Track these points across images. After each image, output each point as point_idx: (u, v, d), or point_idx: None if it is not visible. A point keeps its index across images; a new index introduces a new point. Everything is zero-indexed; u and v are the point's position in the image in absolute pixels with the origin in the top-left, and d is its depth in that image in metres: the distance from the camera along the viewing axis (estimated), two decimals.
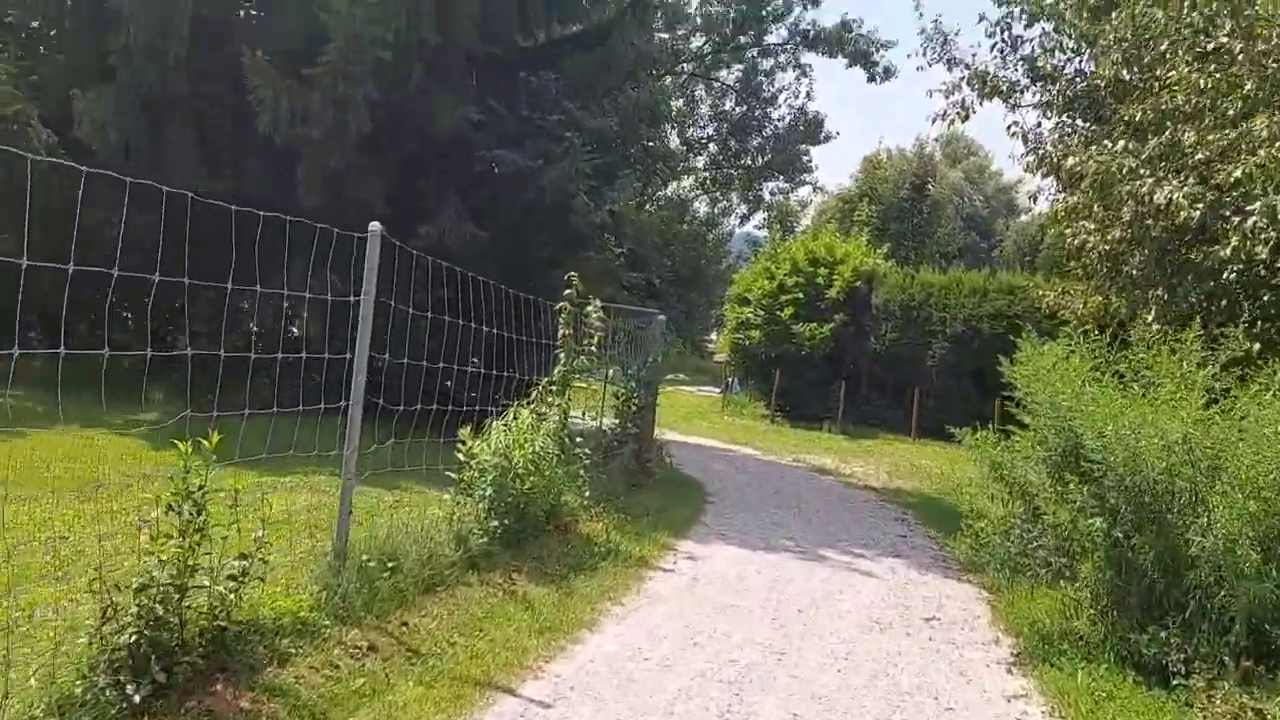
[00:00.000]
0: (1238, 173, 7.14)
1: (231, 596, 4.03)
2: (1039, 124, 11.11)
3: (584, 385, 14.29)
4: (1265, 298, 8.15)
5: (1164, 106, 8.25)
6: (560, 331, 8.19)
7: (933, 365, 20.76)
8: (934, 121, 13.12)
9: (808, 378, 21.97)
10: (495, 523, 6.73)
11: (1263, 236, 7.17)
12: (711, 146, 46.86)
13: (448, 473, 6.71)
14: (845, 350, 21.93)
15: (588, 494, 8.37)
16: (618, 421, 10.89)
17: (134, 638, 3.56)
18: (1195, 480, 5.53)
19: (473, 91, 13.17)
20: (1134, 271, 10.22)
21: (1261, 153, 6.89)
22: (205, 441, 4.03)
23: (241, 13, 12.84)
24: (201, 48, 12.32)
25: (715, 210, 49.10)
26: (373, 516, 7.44)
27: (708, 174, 47.62)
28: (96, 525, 5.37)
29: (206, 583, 4.04)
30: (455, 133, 12.75)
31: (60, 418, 10.27)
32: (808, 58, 44.35)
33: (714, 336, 25.44)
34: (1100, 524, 5.79)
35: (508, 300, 9.22)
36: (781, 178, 46.11)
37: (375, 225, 5.05)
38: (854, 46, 41.64)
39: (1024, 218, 63.39)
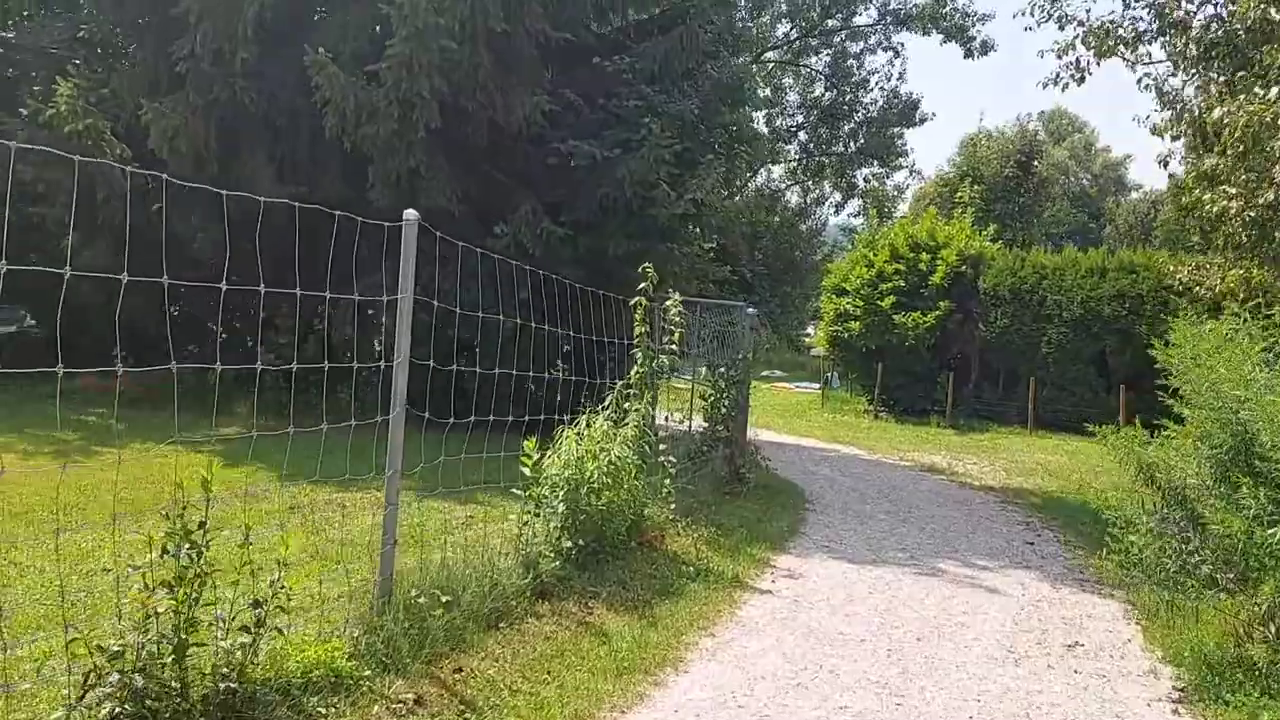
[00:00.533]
0: None
1: (239, 653, 3.42)
2: (1172, 75, 9.92)
3: (672, 386, 13.62)
4: None
5: None
6: (636, 329, 7.47)
7: (1048, 352, 19.35)
8: (1045, 86, 12.00)
9: (912, 370, 20.78)
10: (569, 543, 6.06)
11: None
12: (801, 135, 45.66)
13: (513, 489, 6.05)
14: (952, 339, 20.67)
15: (674, 506, 7.63)
16: (706, 425, 10.13)
17: (114, 711, 2.98)
18: None
19: (545, 81, 12.58)
20: None
21: None
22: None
23: (308, 14, 12.49)
24: (268, 51, 12.03)
25: (807, 200, 47.90)
26: (444, 535, 6.87)
27: (798, 162, 46.43)
28: (118, 560, 4.89)
29: (218, 635, 3.46)
30: (528, 125, 12.18)
31: (141, 434, 10.07)
32: (900, 37, 42.86)
33: (810, 330, 24.36)
34: None
35: (589, 300, 8.60)
36: (876, 163, 44.60)
37: (411, 213, 4.41)
38: (949, 22, 39.94)
39: (1135, 194, 60.33)
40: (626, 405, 7.38)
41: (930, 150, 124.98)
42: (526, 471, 5.89)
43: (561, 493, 6.14)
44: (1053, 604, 7.05)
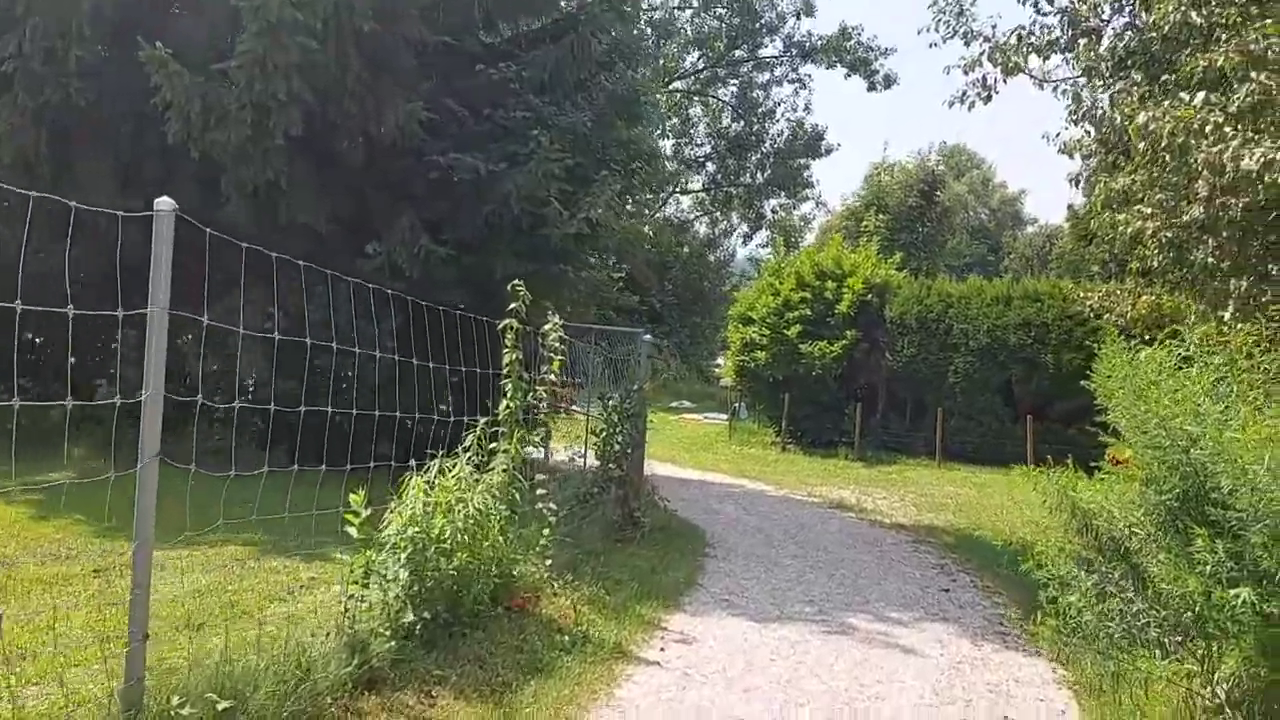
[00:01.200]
0: None
1: None
2: (1085, 87, 9.45)
3: (575, 418, 12.63)
4: None
5: (1252, 48, 6.56)
6: (506, 356, 6.49)
7: (955, 382, 18.99)
8: (951, 105, 11.50)
9: (820, 401, 20.21)
10: (411, 617, 5.00)
11: None
12: (709, 165, 45.51)
13: (339, 555, 4.99)
14: (859, 369, 20.19)
15: (551, 561, 6.63)
16: (598, 463, 9.17)
17: None
18: None
19: (425, 88, 11.54)
20: (1208, 259, 8.48)
21: None
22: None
23: (156, 9, 11.25)
24: (110, 49, 10.78)
25: (716, 231, 47.67)
26: (265, 606, 5.74)
27: (706, 193, 46.23)
28: None
29: None
30: (404, 135, 11.12)
31: None
32: (805, 69, 43.09)
33: (720, 361, 23.73)
34: (1247, 595, 4.04)
35: (474, 327, 7.64)
36: (783, 194, 44.63)
37: (165, 201, 3.36)
38: (853, 55, 40.30)
39: (1030, 228, 62.14)
40: (495, 446, 6.38)
41: (838, 183, 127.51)
42: (353, 532, 4.83)
43: (404, 555, 5.08)
44: (975, 666, 6.25)
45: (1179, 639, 4.66)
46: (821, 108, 67.45)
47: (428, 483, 5.53)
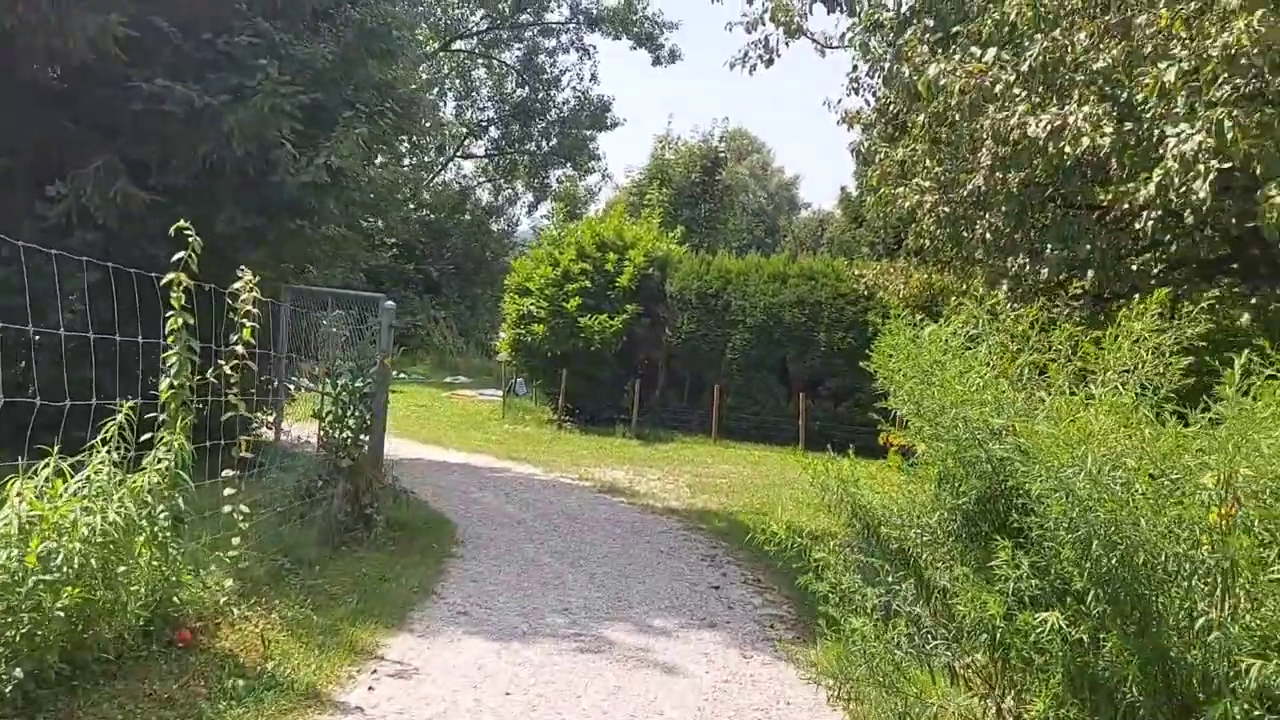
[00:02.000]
0: (1170, 75, 4.99)
1: None
2: (869, 41, 8.93)
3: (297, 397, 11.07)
4: (1176, 249, 6.19)
5: (1045, 2, 6.07)
6: (171, 322, 5.06)
7: (733, 359, 18.69)
8: (733, 66, 10.82)
9: (599, 377, 19.40)
10: None
11: (1200, 167, 5.06)
12: (493, 130, 43.87)
13: None
14: (639, 345, 19.52)
15: (230, 583, 5.27)
16: (323, 452, 7.79)
17: None
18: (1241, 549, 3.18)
19: (127, 2, 9.59)
20: (986, 236, 8.14)
21: (1222, 39, 4.74)
22: None
23: None
24: None
25: (499, 199, 46.12)
26: None
27: (490, 159, 44.60)
28: None
29: None
30: (101, 57, 9.18)
31: None
32: (591, 39, 42.17)
33: (501, 334, 22.49)
34: (1056, 620, 3.37)
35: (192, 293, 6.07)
36: (569, 165, 43.67)
37: None
38: (639, 28, 39.76)
39: (805, 213, 64.60)
40: (156, 437, 4.94)
41: (627, 157, 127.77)
42: None
43: None
44: (743, 685, 5.47)
45: (976, 666, 3.99)
46: (611, 80, 67.05)
47: (36, 490, 4.07)
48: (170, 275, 5.04)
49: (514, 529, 9.44)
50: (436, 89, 40.47)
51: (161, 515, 4.74)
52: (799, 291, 18.40)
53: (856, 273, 12.22)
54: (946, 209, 8.71)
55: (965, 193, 8.28)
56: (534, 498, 11.43)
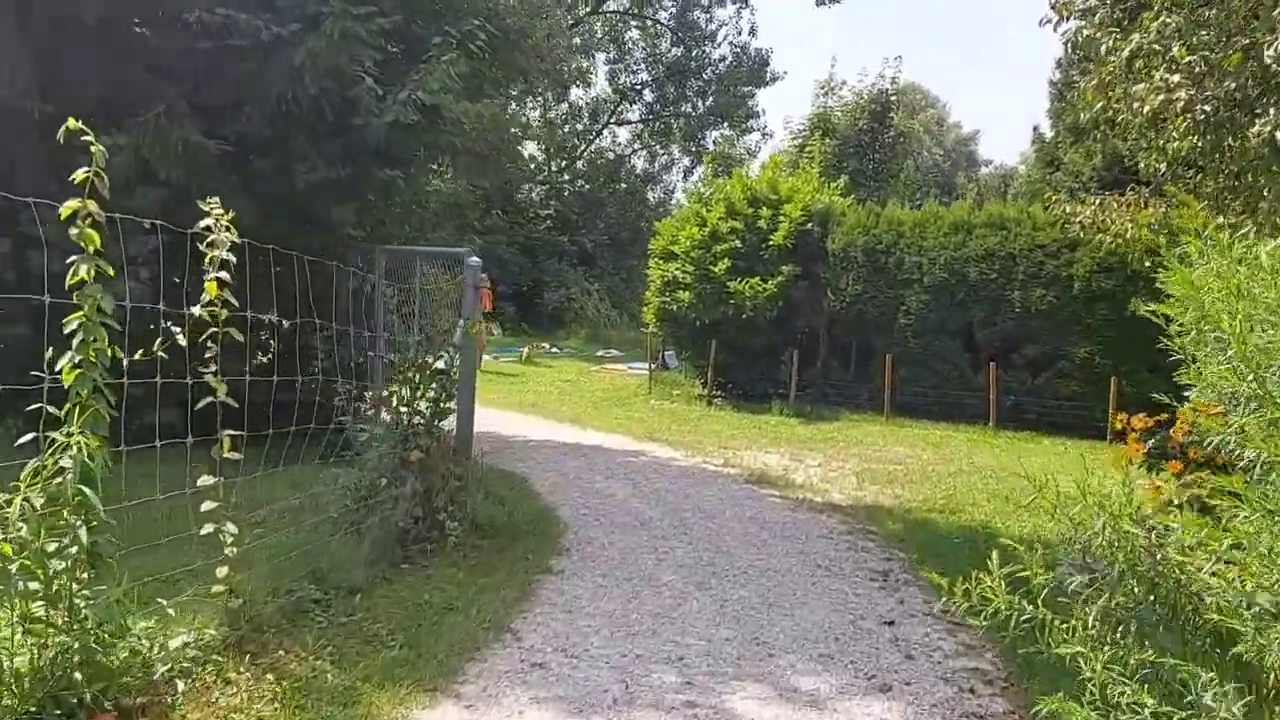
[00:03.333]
0: None
1: None
2: None
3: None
4: None
5: None
6: (71, 273, 3.54)
7: (907, 324, 16.34)
8: None
9: (752, 347, 17.48)
10: None
11: None
12: (646, 94, 42.25)
13: None
14: (797, 310, 17.44)
15: (212, 633, 3.76)
16: (391, 443, 6.26)
17: None
18: None
19: None
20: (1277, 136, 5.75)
21: None
22: None
23: None
24: None
25: (655, 165, 44.53)
26: None
27: (644, 124, 43.03)
28: None
29: None
30: None
31: None
32: None
33: (646, 302, 20.92)
34: None
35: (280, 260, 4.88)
36: (726, 125, 41.57)
37: None
38: None
39: (985, 169, 60.07)
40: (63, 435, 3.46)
41: (787, 111, 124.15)
42: None
43: None
44: None
45: None
46: (770, 32, 64.06)
47: None
48: (69, 206, 3.45)
49: (635, 532, 7.72)
50: (588, 53, 39.20)
51: (68, 547, 3.25)
52: (987, 243, 15.83)
53: (1066, 212, 9.73)
54: (1208, 107, 6.33)
55: (1235, 84, 5.92)
56: (667, 488, 9.69)
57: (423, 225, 10.83)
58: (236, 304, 4.12)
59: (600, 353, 27.71)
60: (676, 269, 17.85)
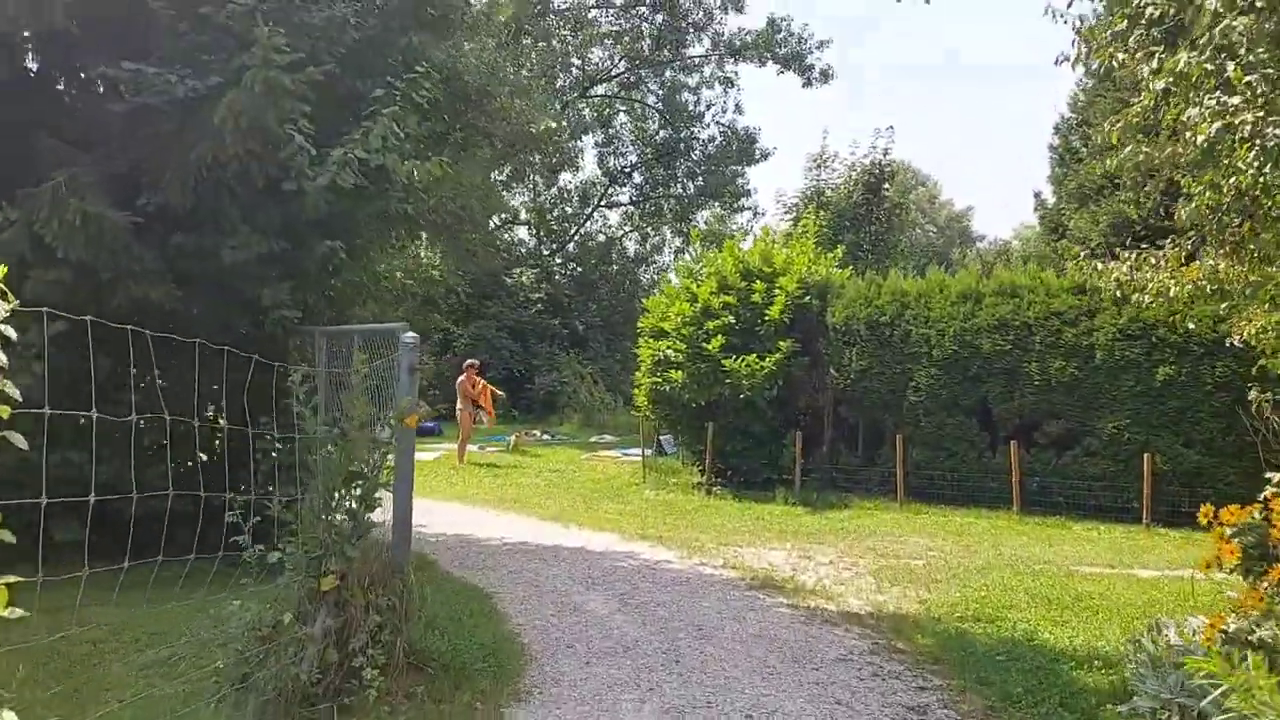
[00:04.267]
0: None
1: None
2: None
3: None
4: None
5: None
6: None
7: (918, 401, 15.12)
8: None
9: (751, 430, 16.25)
10: None
11: None
12: (636, 176, 41.84)
13: None
14: (798, 389, 16.26)
15: None
16: (295, 566, 4.99)
17: None
18: None
19: None
20: None
21: None
22: None
23: None
24: None
25: (647, 246, 43.89)
26: None
27: (635, 206, 42.51)
28: None
29: None
30: (45, 38, 7.02)
31: None
32: (735, 68, 39.71)
33: (636, 384, 19.64)
34: None
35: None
36: (716, 204, 41.04)
37: None
38: (785, 49, 37.06)
39: (981, 244, 59.86)
40: None
41: (776, 188, 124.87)
42: None
43: None
44: None
45: None
46: (758, 110, 64.31)
47: None
48: None
49: (616, 662, 6.39)
50: (460, 33, 38.82)
51: None
52: (999, 313, 14.73)
53: (1098, 270, 8.62)
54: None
55: None
56: (658, 600, 8.35)
57: (381, 306, 9.68)
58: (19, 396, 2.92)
59: (594, 439, 26.43)
60: (668, 347, 16.73)
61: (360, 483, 4.98)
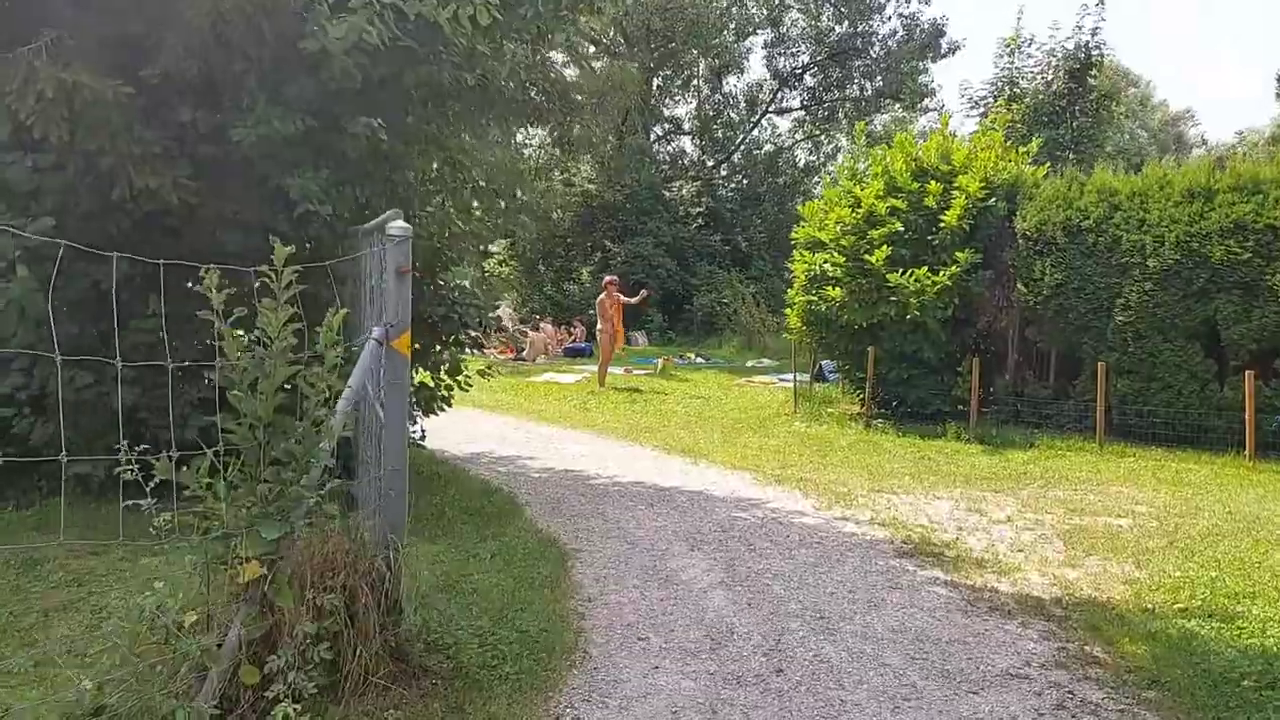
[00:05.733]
0: None
1: None
2: None
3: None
4: None
5: None
6: None
7: (1126, 322, 12.50)
8: None
9: (921, 356, 14.06)
10: None
11: None
12: (809, 78, 38.83)
13: None
14: (978, 308, 13.92)
15: None
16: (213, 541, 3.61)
17: None
18: None
19: None
20: None
21: None
22: None
23: None
24: None
25: (819, 156, 40.98)
26: None
27: (806, 111, 39.60)
28: None
29: None
30: None
31: None
32: None
33: (790, 302, 17.55)
34: None
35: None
36: (898, 105, 37.60)
37: None
38: None
39: (1198, 151, 53.49)
40: None
41: (961, 79, 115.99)
42: None
43: None
44: None
45: None
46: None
47: None
48: None
49: (695, 664, 4.78)
50: (743, 36, 36.29)
51: None
52: (1237, 213, 11.84)
53: None
54: None
55: None
56: (776, 570, 6.66)
57: (454, 205, 8.19)
58: None
59: (750, 363, 24.65)
60: (825, 260, 14.66)
61: (294, 433, 3.52)
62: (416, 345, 7.74)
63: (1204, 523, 8.40)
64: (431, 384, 8.62)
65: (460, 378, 8.69)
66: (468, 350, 8.71)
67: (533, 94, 7.58)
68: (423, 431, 8.79)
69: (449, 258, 7.87)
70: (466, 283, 8.14)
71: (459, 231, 7.77)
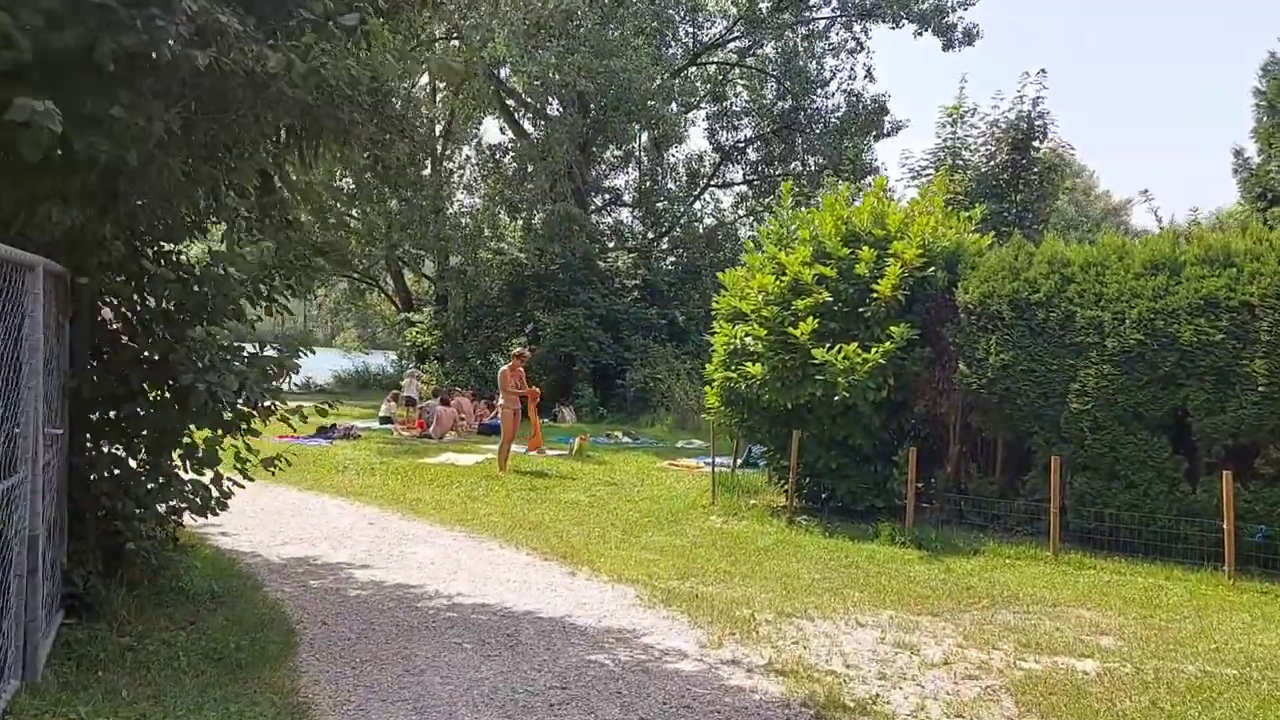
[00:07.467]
0: None
1: None
2: None
3: None
4: None
5: None
6: None
7: (1083, 410, 10.85)
8: None
9: (851, 443, 12.32)
10: None
11: None
12: (751, 152, 37.98)
13: None
14: (916, 390, 12.27)
15: None
16: None
17: None
18: None
19: None
20: None
21: None
22: None
23: None
24: None
25: (761, 231, 39.84)
26: None
27: (749, 185, 38.64)
28: None
29: None
30: None
31: None
32: (863, 28, 35.36)
33: (707, 379, 15.66)
34: None
35: None
36: (840, 181, 36.67)
37: None
38: (924, 4, 32.56)
39: (1153, 229, 53.92)
40: None
41: (902, 148, 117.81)
42: None
43: None
44: None
45: None
46: (890, 79, 59.52)
47: None
48: None
49: None
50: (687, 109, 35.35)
51: None
52: (1208, 288, 10.36)
53: None
54: None
55: None
56: None
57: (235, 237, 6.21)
58: None
59: (681, 444, 22.80)
60: (745, 333, 12.95)
61: None
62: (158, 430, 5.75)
63: (1189, 667, 6.66)
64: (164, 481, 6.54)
65: (242, 467, 6.67)
66: (243, 429, 6.64)
67: (356, 115, 5.74)
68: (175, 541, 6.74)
69: (214, 305, 5.96)
70: (249, 344, 6.23)
71: (233, 273, 5.88)
